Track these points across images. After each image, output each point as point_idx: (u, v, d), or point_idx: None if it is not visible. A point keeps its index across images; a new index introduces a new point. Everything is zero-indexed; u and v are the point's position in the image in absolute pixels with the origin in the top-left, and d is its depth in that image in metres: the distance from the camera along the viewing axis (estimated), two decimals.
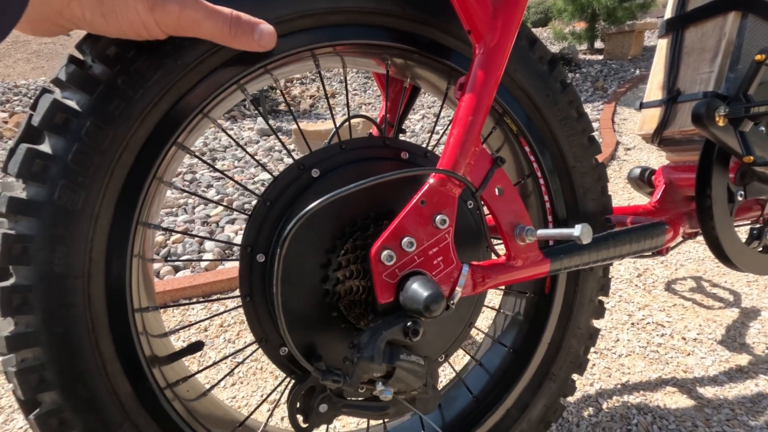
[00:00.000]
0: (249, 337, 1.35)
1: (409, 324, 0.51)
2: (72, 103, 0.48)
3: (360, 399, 0.59)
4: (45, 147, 0.47)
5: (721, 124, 0.70)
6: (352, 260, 0.58)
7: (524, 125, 0.72)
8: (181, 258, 1.65)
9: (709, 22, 0.89)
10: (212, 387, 0.66)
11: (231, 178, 0.62)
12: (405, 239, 0.52)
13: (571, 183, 0.75)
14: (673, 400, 1.00)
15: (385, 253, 0.51)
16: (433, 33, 0.65)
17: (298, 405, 0.58)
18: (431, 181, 0.53)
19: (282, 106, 4.90)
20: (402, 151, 0.65)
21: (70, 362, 0.50)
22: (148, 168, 0.53)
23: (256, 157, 3.11)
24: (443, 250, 0.54)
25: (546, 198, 0.76)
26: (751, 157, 0.69)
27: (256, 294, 0.59)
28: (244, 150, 0.60)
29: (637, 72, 5.74)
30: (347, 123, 0.84)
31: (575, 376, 0.80)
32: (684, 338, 1.20)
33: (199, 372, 0.61)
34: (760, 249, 0.87)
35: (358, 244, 0.59)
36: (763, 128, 0.78)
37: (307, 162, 0.61)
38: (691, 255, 1.65)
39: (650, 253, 0.79)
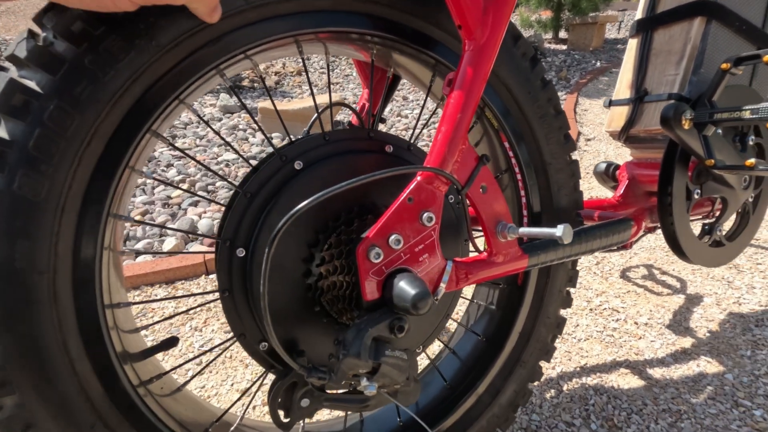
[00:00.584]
0: (216, 325, 1.32)
1: (394, 321, 0.51)
2: (32, 84, 0.44)
3: (341, 392, 0.60)
4: (1, 131, 0.43)
5: (686, 127, 0.74)
6: (336, 255, 0.58)
7: (505, 121, 0.72)
8: (160, 251, 1.57)
9: (677, 25, 0.93)
10: (186, 383, 0.64)
11: (213, 170, 0.59)
12: (392, 236, 0.52)
13: (546, 179, 0.77)
14: (626, 380, 1.08)
15: (372, 250, 0.51)
16: (420, 24, 0.64)
17: (279, 400, 0.57)
18: (419, 178, 0.53)
19: (245, 82, 4.70)
20: (386, 144, 0.64)
21: (34, 363, 0.47)
22: (120, 156, 0.49)
23: (220, 134, 2.98)
24: (429, 247, 0.54)
25: (522, 193, 0.78)
26: (712, 161, 0.74)
27: (236, 289, 0.58)
28: (224, 140, 0.57)
29: (598, 64, 5.94)
30: (327, 111, 0.82)
31: (542, 363, 0.84)
32: (636, 323, 1.29)
33: (173, 369, 0.59)
34: (710, 243, 0.94)
35: (342, 239, 0.58)
36: (720, 131, 0.83)
37: (290, 153, 0.59)
38: (644, 244, 1.76)
39: (616, 248, 0.83)
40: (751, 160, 0.69)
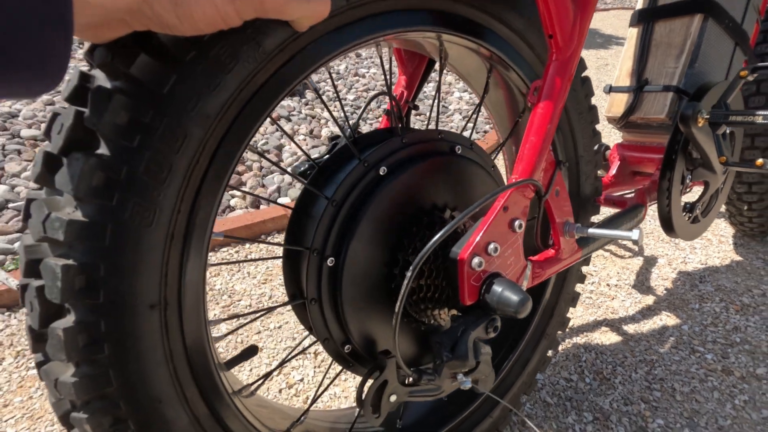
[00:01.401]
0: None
1: (490, 322, 0.55)
2: (139, 102, 0.38)
3: (421, 385, 0.63)
4: (104, 155, 0.38)
5: (700, 125, 0.83)
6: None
7: None
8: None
9: (677, 20, 1.00)
10: (260, 384, 0.64)
11: (293, 174, 0.56)
12: (491, 245, 0.54)
13: (578, 170, 0.83)
14: (607, 337, 1.24)
15: (475, 259, 0.53)
16: (485, 19, 0.63)
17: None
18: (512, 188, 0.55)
19: None
20: (456, 145, 0.65)
21: (148, 397, 0.44)
22: (223, 173, 0.45)
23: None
24: (516, 251, 0.57)
25: None
26: (725, 158, 0.84)
27: (324, 297, 0.57)
28: (292, 140, 0.54)
29: None
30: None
31: (559, 332, 0.94)
32: (608, 285, 1.46)
33: (268, 375, 0.59)
34: (690, 220, 1.08)
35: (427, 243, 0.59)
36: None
37: (371, 158, 0.58)
38: (603, 210, 1.95)
39: None
40: (760, 160, 0.80)
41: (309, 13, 0.41)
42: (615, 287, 1.45)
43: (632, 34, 1.09)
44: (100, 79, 0.38)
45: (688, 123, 0.82)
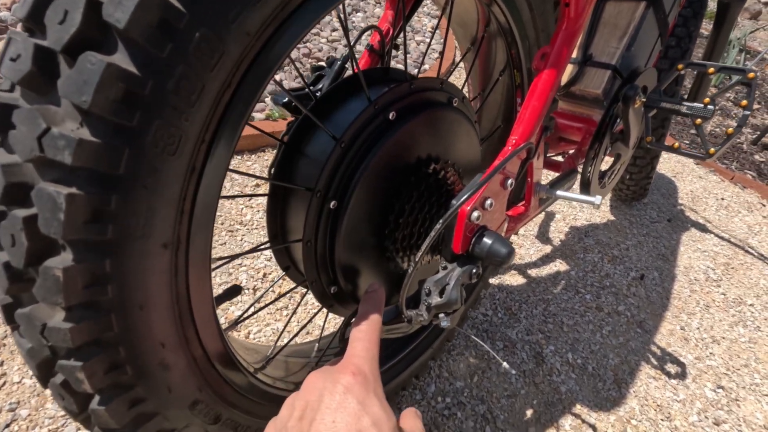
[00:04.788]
0: None
1: (475, 269, 0.60)
2: (174, 1, 0.31)
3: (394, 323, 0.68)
4: (125, 62, 0.31)
5: (636, 106, 0.95)
6: (418, 208, 0.61)
7: (527, 79, 0.80)
8: None
9: (626, 3, 1.09)
10: (240, 320, 0.62)
11: (310, 114, 0.50)
12: (488, 200, 0.58)
13: None
14: (516, 280, 1.44)
15: (474, 213, 0.56)
16: None
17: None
18: (510, 148, 0.59)
19: None
20: (454, 98, 0.65)
21: (151, 341, 0.41)
22: (249, 101, 0.40)
23: None
24: (502, 206, 0.62)
25: None
26: (650, 138, 0.98)
27: (320, 239, 0.56)
28: (286, 91, 0.48)
29: None
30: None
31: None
32: (517, 234, 1.66)
33: (252, 315, 0.56)
34: (601, 185, 1.26)
35: (424, 194, 0.61)
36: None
37: (381, 101, 0.55)
38: None
39: None
40: (677, 143, 0.95)
41: None
42: (523, 237, 1.66)
43: None
44: None
45: (627, 102, 0.93)
